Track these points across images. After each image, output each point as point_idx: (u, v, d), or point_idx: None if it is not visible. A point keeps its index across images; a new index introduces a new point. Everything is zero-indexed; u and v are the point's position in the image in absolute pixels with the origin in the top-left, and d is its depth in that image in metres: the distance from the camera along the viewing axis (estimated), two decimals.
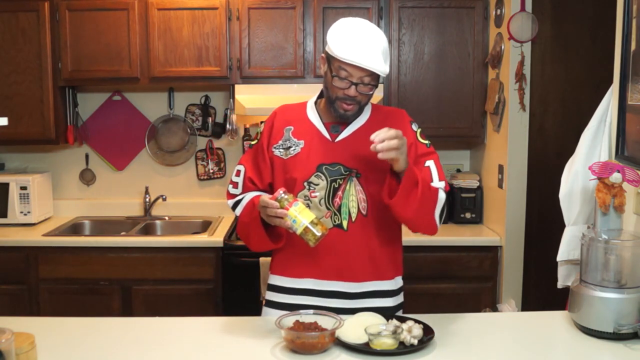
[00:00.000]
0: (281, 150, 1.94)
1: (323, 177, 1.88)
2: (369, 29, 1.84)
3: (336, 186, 1.87)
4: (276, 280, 1.97)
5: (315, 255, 1.88)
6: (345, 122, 1.92)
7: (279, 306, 1.93)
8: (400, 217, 1.84)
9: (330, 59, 1.85)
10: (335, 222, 1.87)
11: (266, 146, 1.97)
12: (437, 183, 1.89)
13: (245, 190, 1.99)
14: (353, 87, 1.82)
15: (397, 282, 1.98)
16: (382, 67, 1.80)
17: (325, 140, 1.92)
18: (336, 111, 1.88)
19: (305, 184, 1.88)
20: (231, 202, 2.01)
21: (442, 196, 1.87)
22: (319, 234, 1.73)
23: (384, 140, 1.68)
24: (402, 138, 1.71)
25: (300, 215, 1.73)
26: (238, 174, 2.02)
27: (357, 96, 1.84)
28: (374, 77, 1.82)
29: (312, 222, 1.72)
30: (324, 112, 1.96)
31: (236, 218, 2.00)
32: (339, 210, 1.87)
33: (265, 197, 1.78)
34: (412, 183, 1.76)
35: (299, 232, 1.73)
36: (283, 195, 1.74)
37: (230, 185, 2.03)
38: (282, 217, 1.73)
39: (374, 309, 1.86)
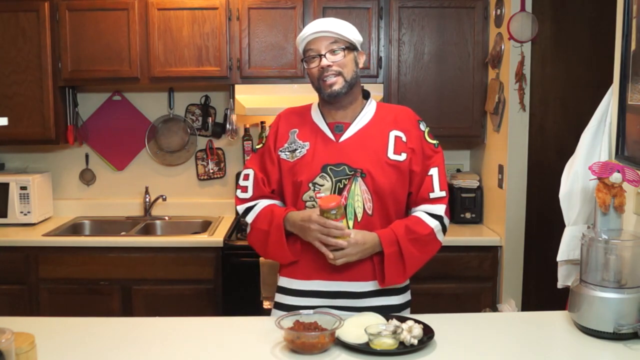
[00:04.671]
0: (287, 153, 1.95)
1: (328, 178, 1.88)
2: (326, 17, 1.98)
3: (341, 186, 1.87)
4: (285, 282, 1.98)
5: (323, 257, 1.87)
6: (336, 101, 1.92)
7: (289, 308, 1.92)
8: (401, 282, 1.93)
9: (303, 57, 1.94)
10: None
11: (273, 149, 1.98)
12: (438, 193, 1.93)
13: (256, 192, 1.99)
14: (323, 58, 1.88)
15: None
16: (339, 27, 1.89)
17: (329, 141, 1.93)
18: (325, 95, 1.91)
19: (310, 185, 1.89)
20: (241, 207, 2.00)
21: (438, 229, 1.91)
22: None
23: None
24: (347, 255, 1.82)
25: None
26: (246, 177, 2.01)
27: (332, 65, 1.87)
28: (340, 42, 1.89)
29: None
30: (327, 113, 1.97)
31: (238, 219, 2.01)
32: (345, 210, 1.87)
33: (316, 215, 1.80)
34: (396, 259, 1.85)
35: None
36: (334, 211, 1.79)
37: (239, 190, 2.02)
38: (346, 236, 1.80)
39: (381, 307, 1.88)
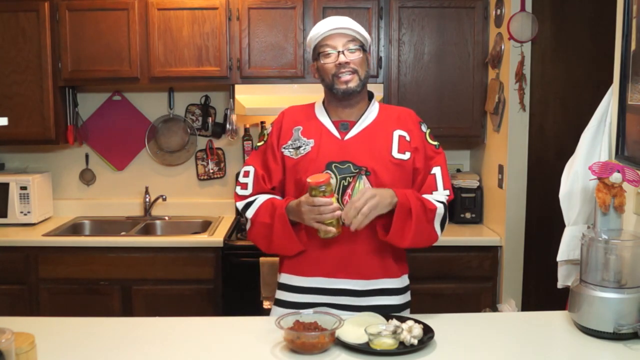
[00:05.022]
0: (291, 150, 1.95)
1: (333, 175, 1.88)
2: (338, 16, 1.99)
3: (345, 184, 1.88)
4: (286, 279, 1.98)
5: (324, 254, 1.89)
6: (348, 99, 1.93)
7: (289, 305, 1.93)
8: (398, 246, 1.89)
9: (315, 54, 1.95)
10: (344, 220, 1.87)
11: (276, 146, 1.98)
12: (442, 192, 1.94)
13: (256, 190, 1.99)
14: (341, 54, 1.89)
15: (403, 280, 1.99)
16: (355, 26, 1.91)
17: (334, 139, 1.93)
18: (340, 91, 1.91)
19: None
20: (241, 204, 1.99)
21: (440, 211, 1.90)
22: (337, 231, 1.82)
23: (356, 215, 1.75)
24: (369, 199, 1.76)
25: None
26: (247, 174, 2.01)
27: (349, 62, 1.89)
28: (357, 41, 1.91)
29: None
30: (332, 111, 1.97)
31: (238, 219, 2.01)
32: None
33: (304, 197, 1.79)
34: (405, 215, 1.82)
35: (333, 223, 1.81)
36: (324, 187, 1.76)
37: (238, 187, 2.01)
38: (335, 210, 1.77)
39: (381, 307, 1.88)
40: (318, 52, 1.93)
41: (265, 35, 3.40)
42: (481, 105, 3.46)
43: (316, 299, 1.91)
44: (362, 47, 1.93)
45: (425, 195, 1.92)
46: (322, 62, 1.92)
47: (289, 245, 1.90)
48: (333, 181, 1.86)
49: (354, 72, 1.89)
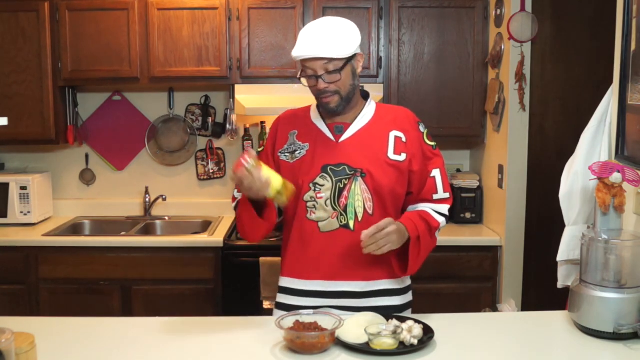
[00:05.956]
0: (287, 154, 1.95)
1: (328, 178, 1.88)
2: (321, 21, 1.88)
3: (341, 186, 1.87)
4: (286, 282, 1.98)
5: (324, 257, 1.88)
6: (336, 113, 1.91)
7: (290, 308, 1.92)
8: (410, 274, 1.94)
9: (301, 72, 1.89)
10: (341, 222, 1.87)
11: (271, 152, 1.99)
12: (442, 195, 1.94)
13: None
14: (320, 80, 1.83)
15: (404, 281, 1.99)
16: (331, 52, 1.79)
17: (329, 141, 1.93)
18: (324, 109, 1.91)
19: (311, 185, 1.89)
20: (234, 204, 2.03)
21: (442, 226, 1.95)
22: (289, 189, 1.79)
23: (373, 244, 1.75)
24: (385, 231, 1.75)
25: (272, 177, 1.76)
26: None
27: (328, 87, 1.84)
28: (337, 62, 1.82)
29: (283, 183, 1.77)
30: (327, 114, 1.97)
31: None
32: (345, 210, 1.87)
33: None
34: (415, 245, 1.85)
35: (272, 194, 1.75)
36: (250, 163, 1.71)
37: (236, 190, 2.03)
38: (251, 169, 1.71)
39: (382, 308, 1.88)
40: (301, 67, 1.88)
41: (265, 35, 3.40)
42: (481, 105, 3.46)
43: (317, 302, 1.91)
44: (345, 62, 1.83)
45: (428, 209, 1.94)
46: (304, 84, 1.89)
47: (255, 224, 1.89)
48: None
49: (336, 93, 1.86)
